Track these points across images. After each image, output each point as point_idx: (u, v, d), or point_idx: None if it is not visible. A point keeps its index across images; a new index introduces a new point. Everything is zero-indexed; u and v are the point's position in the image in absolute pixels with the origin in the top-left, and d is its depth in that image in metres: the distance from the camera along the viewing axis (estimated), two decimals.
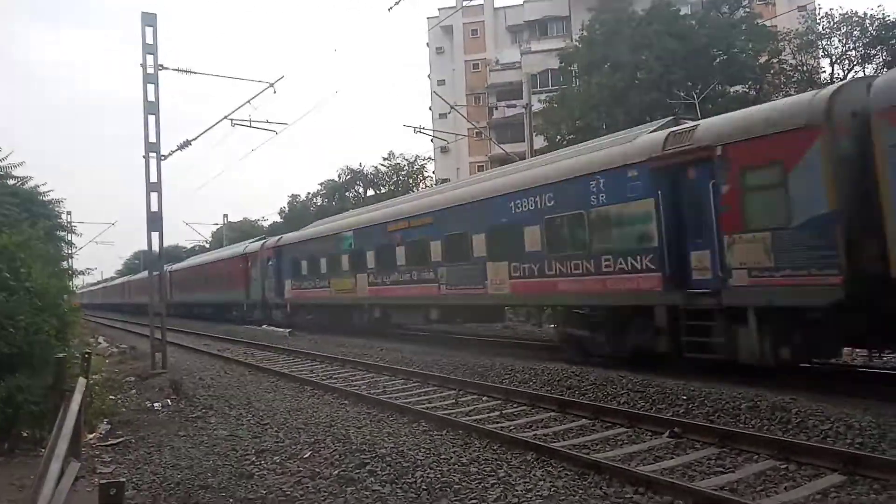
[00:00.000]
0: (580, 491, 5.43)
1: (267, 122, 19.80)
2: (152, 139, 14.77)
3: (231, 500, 5.81)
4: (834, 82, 20.99)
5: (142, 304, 27.57)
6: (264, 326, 26.96)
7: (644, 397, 8.54)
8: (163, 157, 15.24)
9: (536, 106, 30.05)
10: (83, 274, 42.16)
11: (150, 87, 14.75)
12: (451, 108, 28.43)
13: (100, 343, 22.32)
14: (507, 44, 51.98)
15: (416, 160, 53.09)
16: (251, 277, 29.51)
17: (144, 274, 28.10)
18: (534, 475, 5.88)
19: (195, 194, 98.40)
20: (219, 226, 57.25)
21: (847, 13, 28.01)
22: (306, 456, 6.97)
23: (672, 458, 6.25)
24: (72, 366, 8.07)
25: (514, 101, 39.19)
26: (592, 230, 11.52)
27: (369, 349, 16.15)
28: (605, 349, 11.60)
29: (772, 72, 28.46)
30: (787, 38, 29.32)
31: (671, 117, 13.40)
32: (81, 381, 7.06)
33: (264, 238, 32.51)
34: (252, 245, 31.40)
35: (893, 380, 9.06)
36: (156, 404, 10.62)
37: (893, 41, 26.52)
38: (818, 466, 5.62)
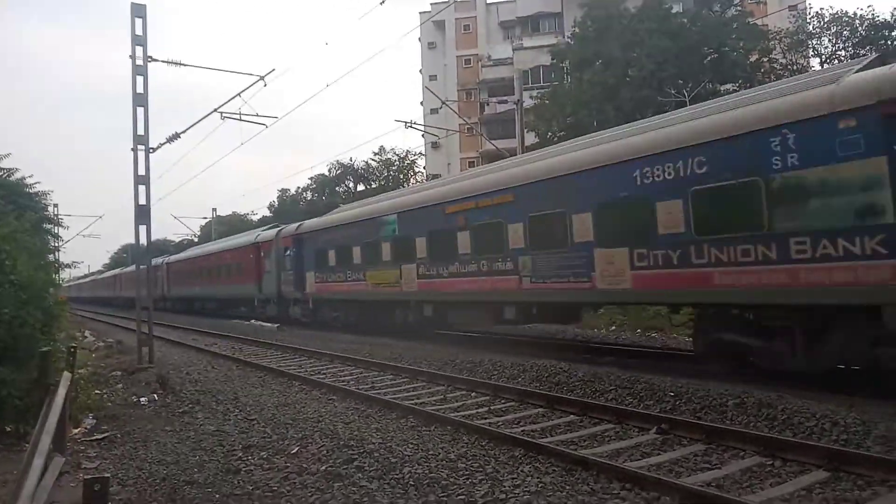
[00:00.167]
0: (568, 487, 5.43)
1: (257, 115, 19.65)
2: (141, 131, 14.65)
3: (217, 495, 5.77)
4: None
5: (134, 298, 26.59)
6: (253, 321, 26.73)
7: (632, 394, 8.57)
8: (151, 150, 15.11)
9: (528, 102, 29.98)
10: (70, 267, 41.81)
11: (140, 79, 14.61)
12: (443, 103, 28.32)
13: (86, 337, 22.13)
14: (499, 40, 51.88)
15: (406, 155, 53.12)
16: (264, 269, 26.85)
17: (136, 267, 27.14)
18: (521, 471, 5.89)
19: (183, 188, 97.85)
20: (207, 219, 56.89)
21: (837, 13, 28.34)
22: (294, 451, 6.95)
23: (659, 454, 6.28)
24: (57, 360, 8.03)
25: (505, 97, 39.21)
26: (774, 203, 8.57)
27: (358, 345, 16.11)
28: (789, 362, 8.84)
29: (762, 70, 28.60)
30: (778, 38, 29.55)
31: (877, 55, 10.71)
32: (66, 375, 7.00)
33: (277, 225, 29.51)
34: (265, 233, 28.29)
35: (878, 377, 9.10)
36: (142, 399, 10.55)
37: (882, 41, 26.72)
38: (804, 463, 5.67)
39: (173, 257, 44.13)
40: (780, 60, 29.57)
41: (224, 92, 30.52)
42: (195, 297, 37.95)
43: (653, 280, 10.30)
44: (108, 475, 5.73)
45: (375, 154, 52.69)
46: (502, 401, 9.06)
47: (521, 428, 7.51)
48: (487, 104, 47.20)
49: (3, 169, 16.54)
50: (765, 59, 29.23)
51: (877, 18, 27.38)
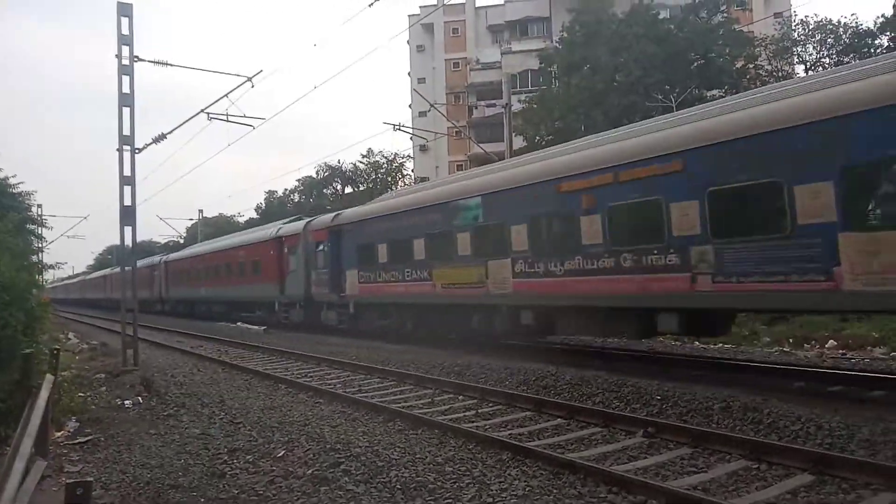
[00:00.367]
0: (555, 490, 5.44)
1: (244, 116, 19.55)
2: (126, 132, 14.52)
3: (202, 499, 5.72)
4: None
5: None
6: (239, 324, 26.52)
7: (619, 397, 8.61)
8: (137, 151, 14.99)
9: (516, 106, 30.04)
10: (53, 268, 41.31)
11: (126, 79, 14.48)
12: (431, 106, 28.29)
13: (70, 339, 21.89)
14: (488, 43, 52.04)
15: (394, 158, 53.08)
16: (288, 268, 23.28)
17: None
18: (509, 475, 5.89)
19: (169, 189, 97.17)
20: (194, 221, 56.44)
21: (821, 21, 28.68)
22: (280, 455, 6.90)
23: (646, 457, 6.30)
24: (40, 362, 7.91)
25: (493, 101, 39.22)
26: None
27: (346, 347, 16.05)
28: None
29: (748, 76, 28.87)
30: (764, 44, 29.88)
31: None
32: (49, 377, 6.93)
33: (302, 217, 26.04)
34: (289, 226, 24.55)
35: (861, 381, 9.20)
36: (126, 402, 10.43)
37: (866, 49, 27.07)
38: (789, 466, 5.71)
39: (173, 255, 41.25)
40: (766, 67, 29.90)
41: (211, 92, 30.72)
42: (199, 300, 33.96)
43: None
44: (91, 479, 5.67)
45: (363, 156, 52.60)
46: (490, 404, 9.06)
47: (509, 431, 7.51)
48: (476, 107, 47.14)
49: None
50: (750, 66, 29.52)
51: (860, 26, 27.78)
